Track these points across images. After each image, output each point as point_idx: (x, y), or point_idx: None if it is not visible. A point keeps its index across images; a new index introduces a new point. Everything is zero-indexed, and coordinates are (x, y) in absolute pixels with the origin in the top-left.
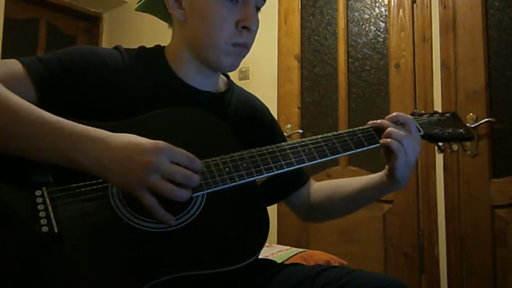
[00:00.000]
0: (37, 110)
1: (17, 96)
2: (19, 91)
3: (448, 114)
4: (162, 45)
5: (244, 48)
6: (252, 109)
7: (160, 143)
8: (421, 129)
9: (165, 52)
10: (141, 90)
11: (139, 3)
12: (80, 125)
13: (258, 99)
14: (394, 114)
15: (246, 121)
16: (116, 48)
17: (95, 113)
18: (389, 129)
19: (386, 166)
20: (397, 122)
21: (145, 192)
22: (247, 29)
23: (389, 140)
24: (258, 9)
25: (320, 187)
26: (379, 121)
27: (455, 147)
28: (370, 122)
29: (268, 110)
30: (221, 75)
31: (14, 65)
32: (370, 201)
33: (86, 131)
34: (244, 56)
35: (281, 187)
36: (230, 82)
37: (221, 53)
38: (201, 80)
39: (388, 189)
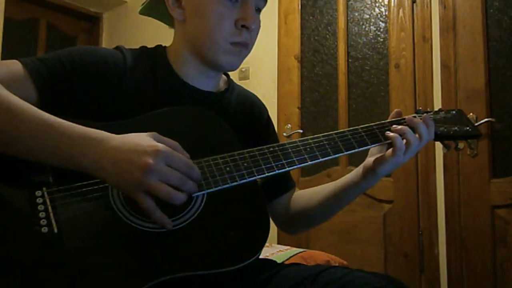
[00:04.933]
0: (37, 111)
1: (18, 97)
2: (20, 92)
3: (453, 112)
4: (163, 45)
5: (243, 47)
6: (251, 107)
7: (160, 146)
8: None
9: (167, 52)
10: (143, 90)
11: (143, 5)
12: (80, 127)
13: (257, 97)
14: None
15: (245, 119)
16: (118, 48)
17: (97, 113)
18: (402, 127)
19: (365, 163)
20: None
21: (142, 193)
22: (246, 28)
23: (395, 135)
24: (259, 10)
25: (297, 195)
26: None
27: (461, 145)
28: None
29: (266, 110)
30: (222, 75)
31: (14, 66)
32: (346, 203)
33: (86, 132)
34: (244, 56)
35: (267, 190)
36: (230, 81)
37: (219, 51)
38: (203, 80)
39: (363, 186)
